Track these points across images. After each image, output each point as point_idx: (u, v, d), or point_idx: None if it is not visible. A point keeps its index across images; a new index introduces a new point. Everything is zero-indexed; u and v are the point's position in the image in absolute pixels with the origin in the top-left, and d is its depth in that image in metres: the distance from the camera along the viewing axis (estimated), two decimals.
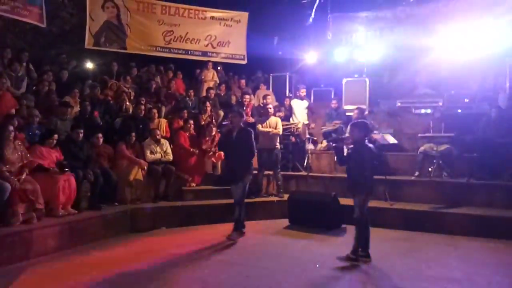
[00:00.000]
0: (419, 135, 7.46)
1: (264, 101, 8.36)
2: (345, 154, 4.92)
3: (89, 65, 11.24)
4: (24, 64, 7.81)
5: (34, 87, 7.63)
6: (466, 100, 8.52)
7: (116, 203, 6.36)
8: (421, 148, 7.26)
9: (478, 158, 6.86)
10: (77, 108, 7.43)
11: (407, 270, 4.35)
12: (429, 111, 8.52)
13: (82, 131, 6.10)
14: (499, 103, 7.95)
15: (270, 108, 7.73)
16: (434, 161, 7.00)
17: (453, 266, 4.54)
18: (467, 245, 5.41)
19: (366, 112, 8.63)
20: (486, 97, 8.40)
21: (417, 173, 7.16)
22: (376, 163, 4.79)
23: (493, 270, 4.41)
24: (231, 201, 7.09)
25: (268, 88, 10.86)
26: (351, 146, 4.85)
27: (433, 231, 5.91)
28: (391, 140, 7.14)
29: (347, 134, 7.50)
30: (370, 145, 4.86)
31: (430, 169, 6.98)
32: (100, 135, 6.53)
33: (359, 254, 4.63)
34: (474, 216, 5.94)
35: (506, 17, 8.25)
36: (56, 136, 5.70)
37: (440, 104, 8.54)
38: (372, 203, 6.76)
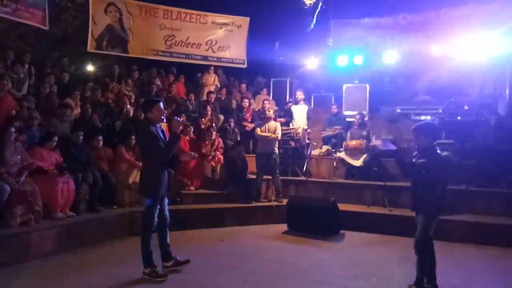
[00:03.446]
0: None
1: (263, 106, 8.40)
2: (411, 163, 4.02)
3: (91, 67, 11.29)
4: (26, 66, 7.86)
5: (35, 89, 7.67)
6: (466, 107, 8.53)
7: (115, 206, 6.38)
8: None
9: (477, 165, 6.86)
10: (77, 110, 7.46)
11: (405, 277, 4.32)
12: (429, 117, 8.52)
13: (82, 133, 6.11)
14: (499, 110, 7.97)
15: (270, 111, 7.75)
16: None
17: (451, 273, 4.53)
18: (465, 252, 5.42)
19: (366, 118, 8.67)
20: (485, 104, 8.41)
21: None
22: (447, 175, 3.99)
23: (491, 278, 4.41)
24: (230, 205, 7.17)
25: (268, 93, 10.90)
26: (415, 154, 3.99)
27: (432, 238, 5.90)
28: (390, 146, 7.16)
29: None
30: (445, 153, 4.08)
31: None
32: (100, 137, 6.55)
33: (425, 285, 3.88)
34: (472, 223, 5.95)
35: (505, 25, 8.29)
36: (56, 138, 5.71)
37: (440, 111, 8.55)
38: (372, 209, 6.83)
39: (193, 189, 7.40)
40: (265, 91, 10.84)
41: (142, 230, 4.26)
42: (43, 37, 10.59)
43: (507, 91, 8.40)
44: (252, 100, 10.26)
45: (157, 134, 4.19)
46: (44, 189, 5.20)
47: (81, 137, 6.10)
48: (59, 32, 10.90)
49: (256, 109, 9.62)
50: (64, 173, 5.50)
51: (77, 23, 10.74)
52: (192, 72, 11.04)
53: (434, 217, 3.87)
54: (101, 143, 6.56)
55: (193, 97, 9.52)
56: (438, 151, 3.90)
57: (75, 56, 10.48)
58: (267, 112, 7.74)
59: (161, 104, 4.34)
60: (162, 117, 4.34)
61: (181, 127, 4.23)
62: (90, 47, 8.72)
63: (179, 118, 4.41)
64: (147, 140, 4.19)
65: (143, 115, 7.06)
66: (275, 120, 8.02)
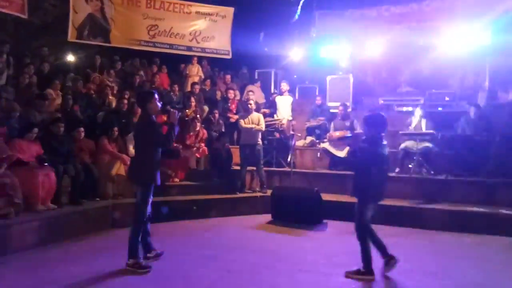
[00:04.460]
0: (401, 132, 7.58)
1: (247, 97, 8.39)
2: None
3: (72, 57, 11.05)
4: (5, 56, 7.67)
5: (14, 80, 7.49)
6: (447, 99, 8.69)
7: (98, 198, 6.32)
8: (402, 145, 7.39)
9: (457, 155, 7.02)
10: (58, 101, 7.33)
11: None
12: (410, 108, 8.66)
13: (63, 124, 6.01)
14: (478, 101, 8.13)
15: (251, 104, 7.75)
16: (415, 157, 7.13)
17: (429, 259, 4.66)
18: (443, 239, 5.56)
19: (349, 109, 8.75)
20: (465, 96, 8.58)
21: (397, 170, 7.29)
22: (386, 167, 4.15)
23: (468, 263, 4.55)
24: (215, 196, 7.19)
25: (253, 84, 10.85)
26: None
27: (412, 226, 6.05)
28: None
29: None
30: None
31: (410, 166, 7.12)
32: (82, 129, 6.46)
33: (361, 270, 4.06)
34: (451, 211, 6.10)
35: (485, 17, 8.43)
36: (36, 130, 5.61)
37: (422, 102, 8.68)
38: (354, 199, 6.89)
39: (178, 180, 7.39)
40: (259, 84, 10.71)
41: (135, 221, 4.25)
42: (22, 26, 10.32)
43: (487, 83, 8.56)
44: (237, 91, 10.22)
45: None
46: (24, 182, 5.11)
47: (62, 129, 6.00)
48: (39, 21, 10.63)
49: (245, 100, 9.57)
50: (44, 165, 5.41)
51: (57, 12, 10.49)
52: (175, 63, 10.93)
53: (366, 203, 4.09)
54: (83, 134, 6.47)
55: (177, 88, 9.44)
56: (384, 142, 4.09)
57: (56, 46, 10.23)
58: (249, 104, 7.74)
59: (157, 95, 4.43)
60: (159, 108, 4.42)
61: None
62: (71, 36, 8.54)
63: (176, 111, 4.48)
64: (153, 129, 4.25)
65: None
66: (257, 111, 8.03)
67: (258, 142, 7.50)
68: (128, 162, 6.59)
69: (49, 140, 5.84)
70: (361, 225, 4.10)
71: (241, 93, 10.25)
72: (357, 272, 4.09)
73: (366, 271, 4.05)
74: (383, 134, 4.11)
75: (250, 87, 10.22)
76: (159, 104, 4.38)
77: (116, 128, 6.76)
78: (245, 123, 7.50)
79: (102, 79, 8.78)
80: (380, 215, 6.12)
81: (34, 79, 7.66)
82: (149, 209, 4.42)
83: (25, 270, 4.22)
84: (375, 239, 4.13)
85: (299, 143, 8.75)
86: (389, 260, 4.10)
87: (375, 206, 4.14)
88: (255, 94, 9.30)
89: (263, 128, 7.63)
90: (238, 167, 7.72)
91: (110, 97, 8.07)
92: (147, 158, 4.27)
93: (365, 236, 4.08)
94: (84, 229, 5.62)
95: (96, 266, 4.28)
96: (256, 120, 7.51)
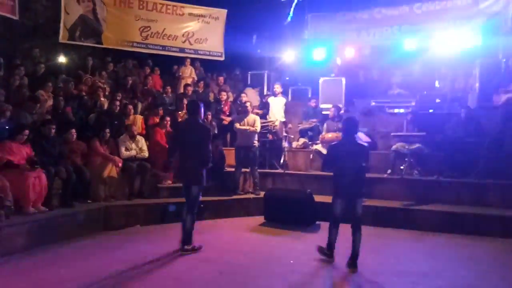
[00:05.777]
0: (392, 134, 7.63)
1: (240, 99, 8.38)
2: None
3: (63, 59, 10.98)
4: None
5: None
6: (438, 101, 8.77)
7: (90, 201, 6.27)
8: (394, 147, 7.44)
9: (448, 157, 7.08)
10: (50, 103, 7.27)
11: (378, 265, 4.48)
12: (402, 110, 8.72)
13: (54, 126, 5.96)
14: (469, 103, 8.22)
15: (248, 105, 7.75)
16: (406, 159, 7.18)
17: (421, 260, 4.69)
18: (435, 240, 5.60)
19: (342, 111, 8.79)
20: (456, 98, 8.67)
21: (389, 171, 7.34)
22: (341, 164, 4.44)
23: (459, 264, 4.59)
24: (208, 198, 7.14)
25: (246, 86, 10.85)
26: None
27: (404, 227, 6.09)
28: (364, 138, 7.30)
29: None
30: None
31: (401, 167, 7.16)
32: (74, 130, 6.41)
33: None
34: (442, 212, 6.16)
35: (476, 19, 8.54)
36: (27, 131, 5.55)
37: (413, 104, 8.76)
38: None
39: (170, 182, 7.35)
40: (257, 89, 10.73)
41: (193, 212, 4.92)
42: (13, 28, 10.23)
43: (477, 85, 8.65)
44: (230, 93, 10.20)
45: None
46: (14, 184, 5.07)
47: (53, 131, 5.95)
48: (30, 22, 10.55)
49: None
50: (35, 168, 5.36)
51: (48, 13, 10.42)
52: (168, 65, 10.90)
53: (333, 197, 4.56)
54: (75, 136, 6.43)
55: (170, 90, 9.41)
56: (362, 139, 4.75)
57: (47, 47, 10.18)
58: (247, 106, 7.74)
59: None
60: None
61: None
62: (62, 37, 8.49)
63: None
64: (209, 137, 4.90)
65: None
66: (253, 112, 8.03)
67: (254, 144, 7.49)
68: (120, 164, 6.57)
69: (40, 142, 5.79)
70: (331, 217, 4.59)
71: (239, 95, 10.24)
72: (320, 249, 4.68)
73: (326, 248, 4.64)
74: (352, 135, 4.53)
75: (247, 90, 10.22)
76: (202, 113, 5.23)
77: (107, 130, 6.73)
78: (240, 125, 7.50)
79: (94, 80, 8.73)
80: (371, 216, 6.24)
81: (25, 80, 7.59)
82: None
83: (16, 273, 4.17)
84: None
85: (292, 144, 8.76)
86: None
87: (342, 202, 4.50)
88: (248, 96, 9.29)
89: (258, 130, 7.62)
90: (231, 169, 7.71)
91: (102, 98, 8.01)
92: (200, 162, 4.88)
93: (330, 227, 4.57)
94: (76, 231, 5.57)
95: (88, 269, 4.26)
96: (252, 122, 7.51)
